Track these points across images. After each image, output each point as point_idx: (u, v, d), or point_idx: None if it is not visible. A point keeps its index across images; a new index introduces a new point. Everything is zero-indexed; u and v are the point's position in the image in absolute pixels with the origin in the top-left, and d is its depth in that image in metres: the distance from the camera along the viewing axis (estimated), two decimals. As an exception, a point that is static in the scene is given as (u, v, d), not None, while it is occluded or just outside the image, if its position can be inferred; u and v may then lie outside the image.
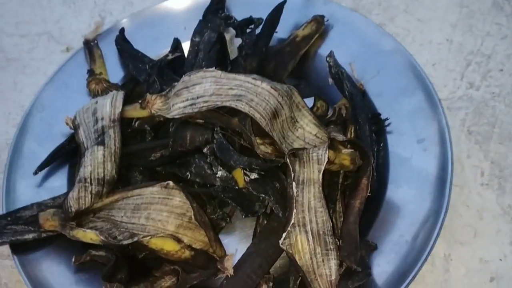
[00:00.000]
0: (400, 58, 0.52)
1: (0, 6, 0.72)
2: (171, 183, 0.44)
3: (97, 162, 0.45)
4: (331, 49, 0.52)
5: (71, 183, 0.52)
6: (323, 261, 0.40)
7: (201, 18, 0.59)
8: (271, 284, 0.43)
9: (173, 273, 0.43)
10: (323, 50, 0.55)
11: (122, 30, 0.59)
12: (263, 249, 0.43)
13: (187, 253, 0.43)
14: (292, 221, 0.40)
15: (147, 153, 0.49)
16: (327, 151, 0.43)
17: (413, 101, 0.49)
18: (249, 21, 0.57)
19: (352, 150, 0.45)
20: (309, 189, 0.42)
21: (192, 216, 0.43)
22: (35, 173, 0.51)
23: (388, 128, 0.49)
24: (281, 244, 0.40)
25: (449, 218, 0.48)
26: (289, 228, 0.40)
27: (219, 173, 0.46)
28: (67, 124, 0.51)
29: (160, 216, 0.43)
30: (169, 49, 0.59)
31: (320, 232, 0.41)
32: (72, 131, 0.51)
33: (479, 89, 0.57)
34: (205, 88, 0.46)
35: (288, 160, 0.42)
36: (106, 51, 0.60)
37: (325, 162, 0.42)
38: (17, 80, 0.66)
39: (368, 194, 0.43)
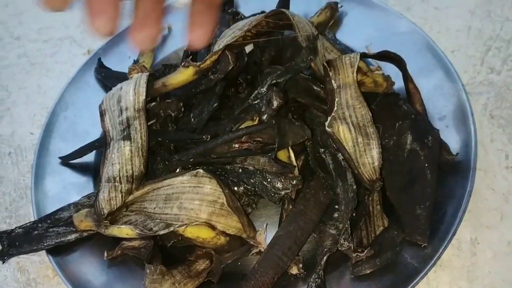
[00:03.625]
0: (417, 39, 0.53)
1: (23, 14, 0.74)
2: (201, 171, 0.45)
3: (125, 159, 0.45)
4: (346, 34, 0.53)
5: (96, 178, 0.53)
6: (365, 150, 0.43)
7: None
8: (301, 265, 0.43)
9: (206, 256, 0.44)
10: (339, 36, 0.57)
11: (99, 60, 0.61)
12: (292, 231, 0.43)
13: (222, 240, 0.44)
14: (335, 108, 0.44)
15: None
16: (359, 53, 0.46)
17: (432, 80, 0.50)
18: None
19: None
20: (345, 91, 0.45)
21: (225, 203, 0.44)
22: (61, 161, 0.52)
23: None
24: (327, 127, 0.43)
25: (474, 202, 0.48)
26: (332, 114, 0.44)
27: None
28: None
29: (192, 205, 0.44)
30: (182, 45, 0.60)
31: (361, 124, 0.44)
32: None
33: (500, 73, 0.56)
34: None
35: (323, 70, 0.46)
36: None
37: (358, 62, 0.45)
38: (41, 83, 0.67)
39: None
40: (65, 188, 0.51)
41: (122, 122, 0.48)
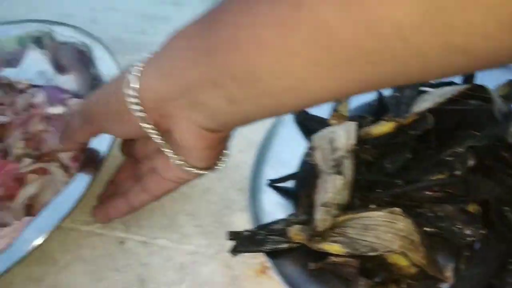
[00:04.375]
0: None
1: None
2: (397, 209, 0.54)
3: (337, 189, 0.56)
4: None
5: (296, 201, 0.64)
6: None
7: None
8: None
9: (393, 281, 0.53)
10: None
11: None
12: (474, 274, 0.51)
13: (413, 270, 0.53)
14: None
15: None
16: None
17: None
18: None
19: None
20: None
21: (415, 240, 0.53)
22: (269, 183, 0.65)
23: None
24: None
25: None
26: None
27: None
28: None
29: (386, 236, 0.53)
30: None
31: None
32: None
33: None
34: None
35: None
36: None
37: None
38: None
39: None
40: (274, 206, 0.63)
41: (335, 159, 0.59)
